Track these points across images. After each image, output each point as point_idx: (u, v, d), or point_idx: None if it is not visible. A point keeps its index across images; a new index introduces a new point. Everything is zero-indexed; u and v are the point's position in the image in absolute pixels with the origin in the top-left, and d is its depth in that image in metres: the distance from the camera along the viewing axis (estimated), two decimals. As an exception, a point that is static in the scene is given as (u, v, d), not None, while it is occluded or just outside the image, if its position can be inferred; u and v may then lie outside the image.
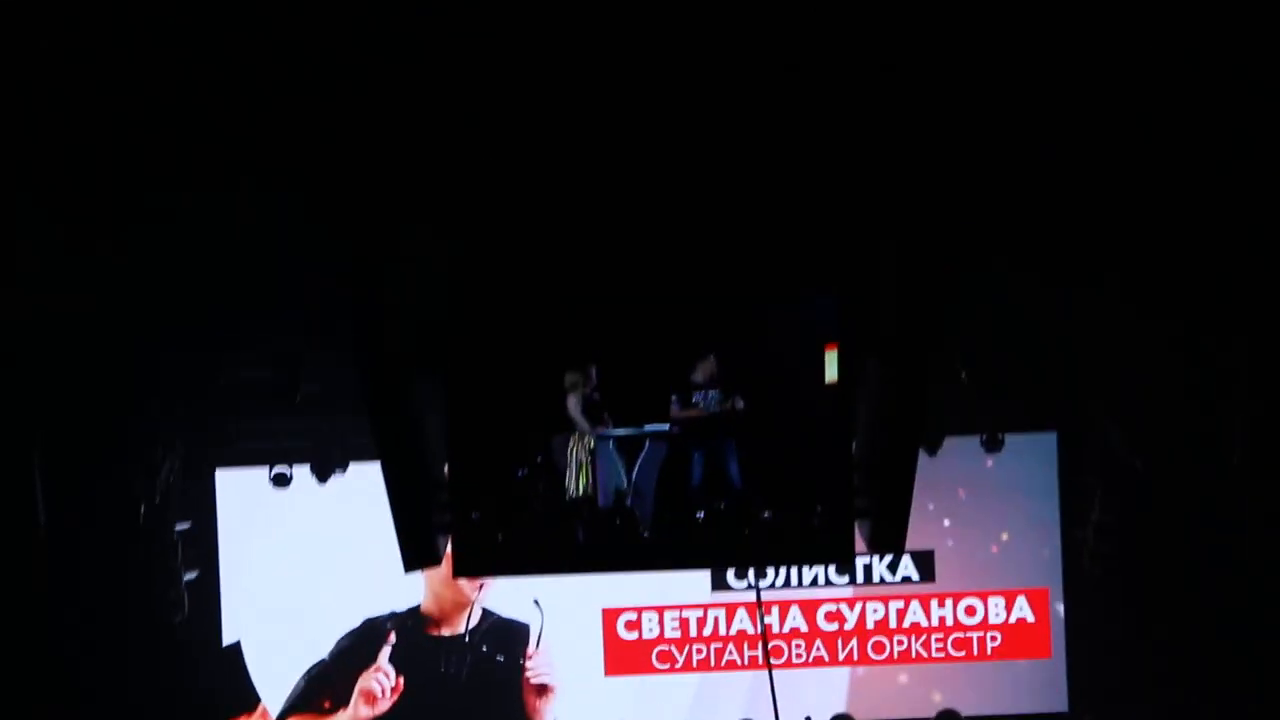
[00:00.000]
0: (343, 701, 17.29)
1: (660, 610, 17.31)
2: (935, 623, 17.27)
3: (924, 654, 17.27)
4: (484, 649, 17.30)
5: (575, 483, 12.90)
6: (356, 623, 17.32)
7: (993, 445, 16.47)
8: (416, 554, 13.03)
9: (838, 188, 11.56)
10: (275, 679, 17.39)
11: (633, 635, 17.34)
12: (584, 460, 12.88)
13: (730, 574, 17.04)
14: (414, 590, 17.19)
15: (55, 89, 10.83)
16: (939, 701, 17.13)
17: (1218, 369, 14.54)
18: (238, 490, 17.18)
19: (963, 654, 17.24)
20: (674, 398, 12.69)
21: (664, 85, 10.87)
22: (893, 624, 17.28)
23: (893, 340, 12.02)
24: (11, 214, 12.24)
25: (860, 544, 13.01)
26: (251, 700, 17.36)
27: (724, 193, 11.72)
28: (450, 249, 12.29)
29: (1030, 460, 16.96)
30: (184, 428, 16.50)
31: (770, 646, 17.04)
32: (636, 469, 12.90)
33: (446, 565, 13.50)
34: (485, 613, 17.34)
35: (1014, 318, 14.48)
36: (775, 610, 17.23)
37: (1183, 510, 15.67)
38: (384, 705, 17.31)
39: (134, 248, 12.99)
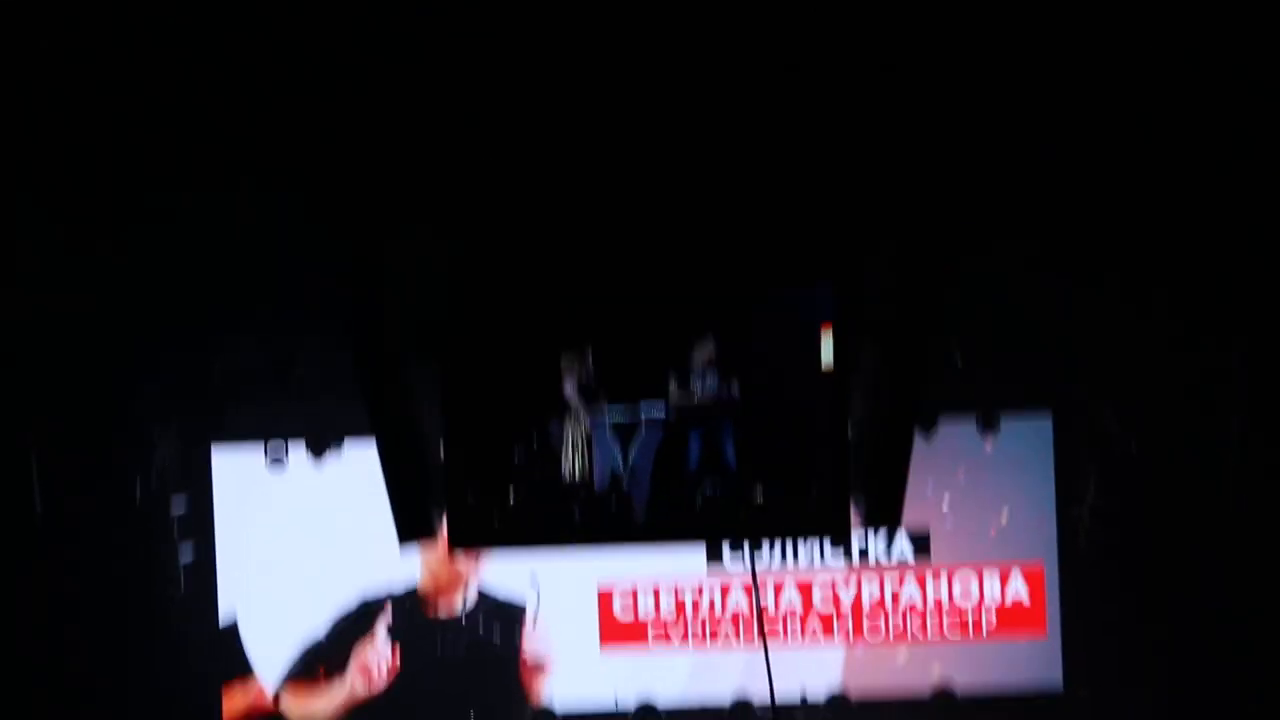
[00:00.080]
0: (337, 678, 17.33)
1: (656, 587, 17.33)
2: (931, 602, 17.29)
3: (920, 633, 17.29)
4: (480, 629, 17.33)
5: (571, 465, 12.89)
6: (353, 601, 17.35)
7: (989, 426, 16.49)
8: (411, 528, 13.05)
9: (835, 172, 11.55)
10: (271, 657, 17.41)
11: (628, 612, 17.36)
12: (580, 441, 12.88)
13: (726, 552, 17.06)
14: (410, 571, 17.21)
15: (55, 87, 10.84)
16: (935, 680, 17.17)
17: (1214, 350, 14.58)
18: (233, 471, 17.17)
19: (959, 633, 17.26)
20: (671, 380, 12.69)
21: (660, 73, 10.87)
22: (888, 603, 17.31)
23: (889, 324, 12.02)
24: (11, 211, 12.26)
25: (854, 523, 13.02)
26: (245, 675, 17.39)
27: (720, 177, 11.72)
28: (446, 232, 12.28)
29: (1026, 442, 16.96)
30: (179, 410, 16.54)
31: (765, 624, 17.08)
32: (633, 452, 12.90)
33: (442, 545, 13.51)
34: (481, 592, 17.37)
35: (1009, 300, 14.49)
36: (770, 588, 17.25)
37: (1178, 491, 15.70)
38: (380, 682, 17.35)
39: (130, 239, 13.00)
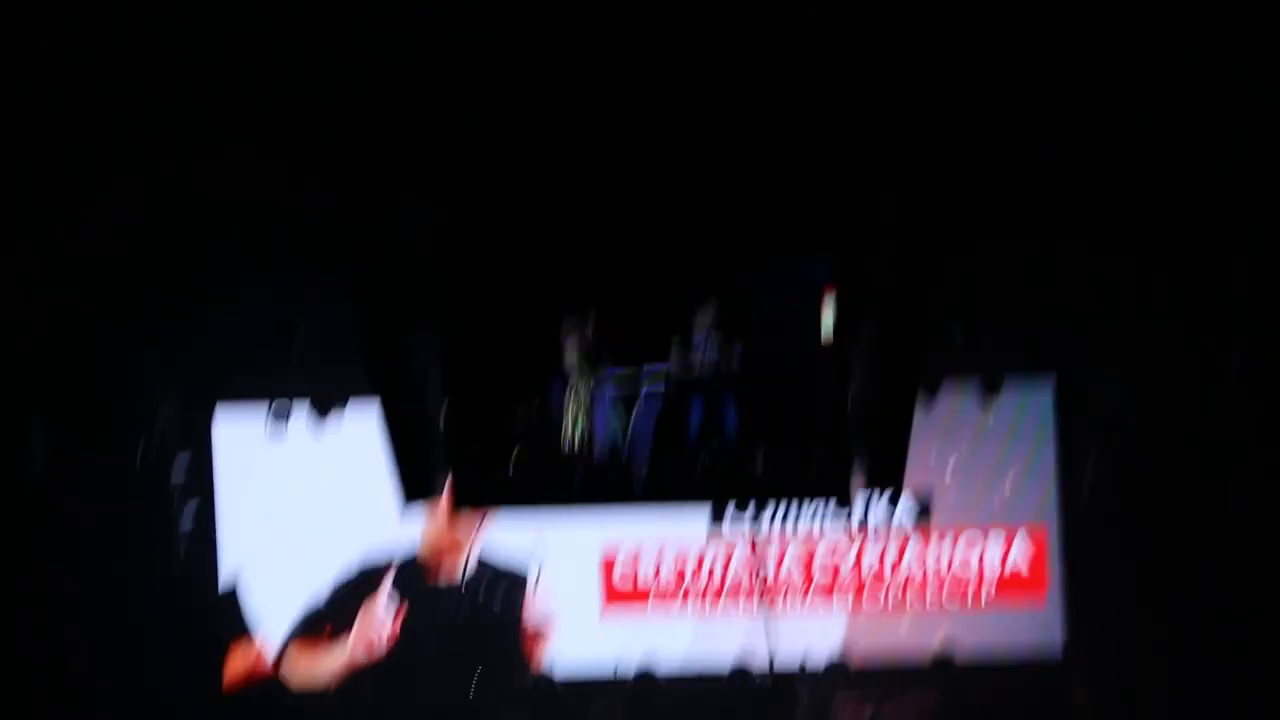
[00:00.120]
0: (339, 641, 17.37)
1: (658, 551, 17.35)
2: (931, 569, 17.31)
3: (920, 599, 17.31)
4: (481, 595, 17.35)
5: (573, 430, 12.90)
6: (354, 566, 17.37)
7: (991, 393, 16.51)
8: (413, 488, 13.05)
9: (837, 140, 11.55)
10: (273, 621, 17.45)
11: (629, 579, 17.38)
12: (581, 406, 12.88)
13: (728, 516, 17.06)
14: (412, 536, 17.24)
15: (59, 49, 10.88)
16: (935, 646, 17.19)
17: (1216, 318, 14.57)
18: (235, 434, 17.21)
19: (959, 599, 17.28)
20: (673, 346, 12.69)
21: (664, 41, 10.88)
22: (890, 569, 17.33)
23: (890, 290, 12.02)
24: (10, 176, 12.28)
25: (856, 488, 13.03)
26: (247, 639, 17.43)
27: (723, 145, 11.72)
28: (446, 194, 12.27)
29: (1027, 408, 17.00)
30: (180, 374, 16.56)
31: (767, 589, 17.10)
32: (634, 415, 12.90)
33: (444, 508, 13.52)
34: (482, 557, 17.39)
35: (1011, 269, 14.50)
36: (772, 553, 17.27)
37: (1180, 459, 15.71)
38: (382, 647, 17.37)
39: (132, 202, 13.02)
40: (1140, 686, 16.17)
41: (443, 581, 17.40)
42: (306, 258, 13.88)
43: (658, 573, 17.36)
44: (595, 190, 12.11)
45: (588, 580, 17.45)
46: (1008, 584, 17.29)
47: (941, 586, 17.30)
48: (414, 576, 17.39)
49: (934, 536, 17.23)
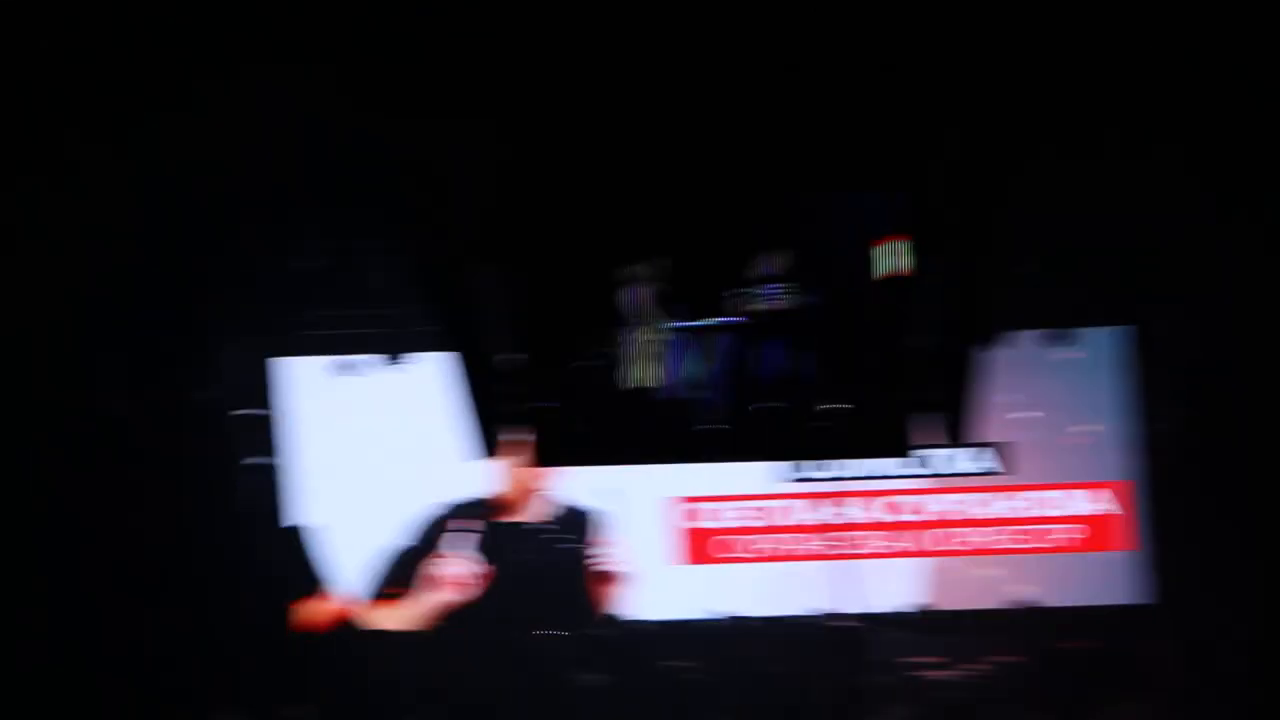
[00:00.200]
0: (416, 588, 17.39)
1: (729, 500, 17.25)
2: (1012, 514, 17.12)
3: (1002, 546, 17.14)
4: (554, 538, 17.33)
5: (644, 375, 12.81)
6: (430, 510, 17.36)
7: (1064, 339, 16.29)
8: (483, 442, 13.04)
9: (905, 78, 11.33)
10: (346, 564, 17.50)
11: (702, 525, 17.30)
12: (652, 352, 12.78)
13: (800, 465, 16.93)
14: (486, 479, 17.19)
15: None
16: (1017, 594, 17.02)
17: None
18: (306, 378, 17.22)
19: (1041, 546, 17.10)
20: (744, 290, 12.56)
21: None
22: (969, 516, 17.14)
23: (958, 232, 11.82)
24: (72, 126, 12.29)
25: (932, 436, 12.89)
26: (321, 584, 17.48)
27: (791, 84, 11.53)
28: (512, 139, 12.15)
29: (1106, 353, 16.73)
30: (250, 317, 16.58)
31: (841, 537, 16.99)
32: (705, 361, 12.80)
33: (518, 453, 13.47)
34: (558, 502, 17.36)
35: (1082, 208, 14.25)
36: (847, 501, 17.13)
37: (1262, 401, 15.43)
38: (460, 592, 17.38)
39: (197, 148, 12.98)
40: (1225, 637, 15.94)
41: (518, 527, 17.38)
42: (372, 201, 13.81)
43: (730, 522, 17.27)
44: (662, 135, 11.94)
45: (661, 529, 17.37)
46: (1092, 530, 17.08)
47: (1020, 536, 17.11)
48: (488, 520, 17.36)
49: (1012, 486, 17.03)
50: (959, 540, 17.13)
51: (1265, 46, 11.82)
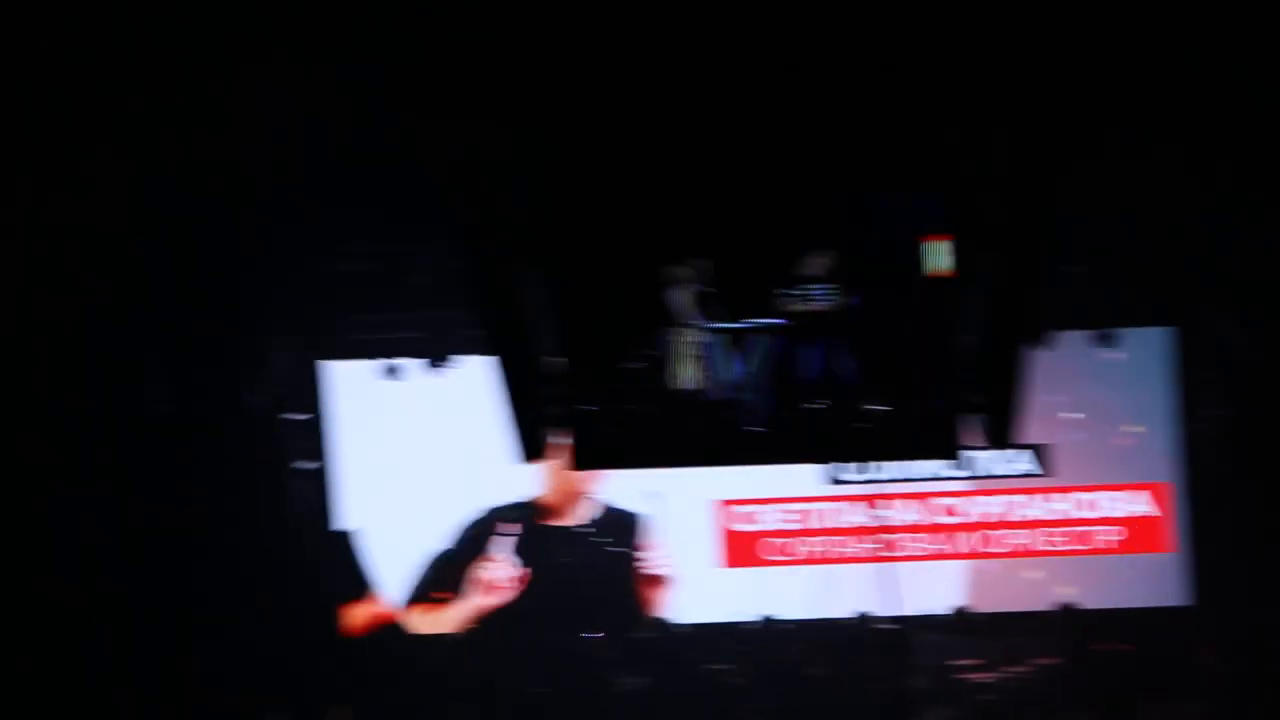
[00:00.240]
0: (460, 591, 17.47)
1: (773, 502, 17.30)
2: (1053, 516, 17.14)
3: (1042, 548, 17.16)
4: (600, 541, 17.41)
5: (686, 376, 12.80)
6: (473, 513, 17.46)
7: (1107, 340, 16.29)
8: (528, 445, 13.05)
9: (949, 78, 11.35)
10: (390, 567, 17.59)
11: (747, 526, 17.35)
12: (694, 354, 12.78)
13: (844, 466, 16.95)
14: (532, 482, 17.26)
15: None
16: (1058, 595, 17.03)
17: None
18: (351, 381, 17.34)
19: (1081, 548, 17.11)
20: (789, 290, 12.56)
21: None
22: (1010, 518, 17.18)
23: (1003, 232, 11.81)
24: (123, 125, 12.38)
25: (973, 438, 12.88)
26: (366, 587, 17.57)
27: (834, 83, 11.55)
28: (555, 142, 12.19)
29: (1148, 354, 16.75)
30: (296, 319, 16.68)
31: (884, 539, 17.01)
32: (748, 364, 12.79)
33: (561, 456, 13.50)
34: (602, 506, 17.43)
35: (1127, 210, 14.25)
36: (891, 504, 17.18)
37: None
38: (502, 595, 17.45)
39: (238, 142, 13.04)
40: (1265, 638, 15.93)
41: (563, 528, 17.45)
42: (418, 205, 13.86)
43: (774, 524, 17.32)
44: (706, 136, 11.97)
45: (705, 531, 17.43)
46: (1133, 531, 17.10)
47: (1063, 537, 17.13)
48: (534, 523, 17.45)
49: (1054, 484, 17.05)
50: (1000, 542, 17.16)
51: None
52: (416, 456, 17.33)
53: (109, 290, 14.43)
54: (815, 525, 17.27)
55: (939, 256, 12.04)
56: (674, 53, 11.35)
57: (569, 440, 13.02)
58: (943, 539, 17.19)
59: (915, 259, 12.22)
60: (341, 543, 17.47)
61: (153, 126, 12.69)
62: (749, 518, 17.34)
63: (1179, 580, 16.98)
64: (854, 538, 17.21)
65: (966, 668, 16.65)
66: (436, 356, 16.59)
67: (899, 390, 12.55)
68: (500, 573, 17.44)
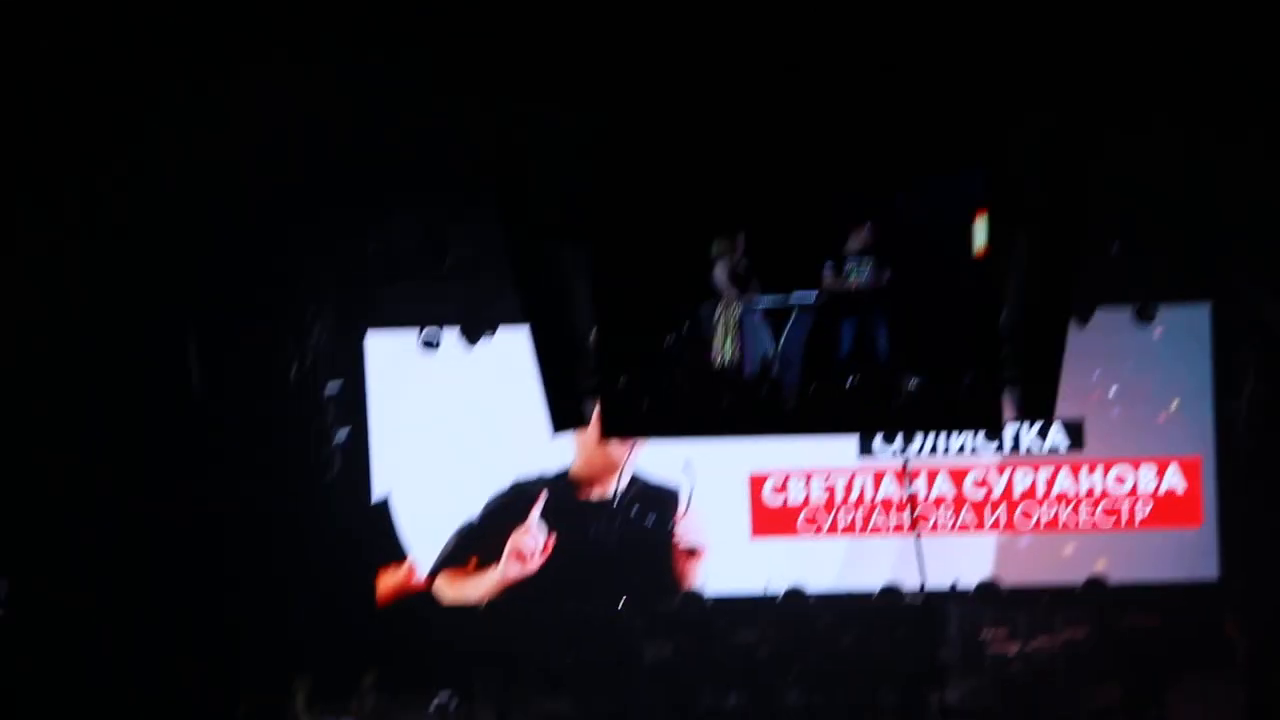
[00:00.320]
0: (492, 560, 17.53)
1: (807, 475, 17.34)
2: (1084, 491, 17.18)
3: (1072, 522, 17.20)
4: (633, 513, 17.45)
5: (722, 350, 12.82)
6: (506, 484, 17.52)
7: (1144, 316, 16.27)
8: (563, 416, 13.07)
9: (984, 53, 11.37)
10: (423, 536, 17.68)
11: (779, 499, 17.40)
12: (731, 328, 12.80)
13: (877, 439, 17.01)
14: (564, 453, 17.34)
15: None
16: (1088, 569, 17.06)
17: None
18: (388, 353, 17.41)
19: (1111, 522, 17.15)
20: (827, 265, 12.57)
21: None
22: (1041, 492, 17.23)
23: (1041, 208, 11.83)
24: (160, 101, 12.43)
25: (1008, 412, 12.89)
26: (399, 554, 17.64)
27: (873, 59, 11.56)
28: (595, 115, 12.21)
29: (1183, 332, 16.76)
30: (334, 291, 16.73)
31: (917, 513, 17.05)
32: (784, 337, 12.81)
33: (595, 428, 13.52)
34: (634, 477, 17.47)
35: (1164, 187, 14.24)
36: (923, 477, 17.23)
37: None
38: (534, 564, 17.52)
39: (285, 124, 13.08)
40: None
41: (595, 500, 17.50)
42: (459, 177, 13.91)
43: (807, 496, 17.36)
44: (746, 110, 11.99)
45: (737, 503, 17.50)
46: (1162, 506, 17.13)
47: (1094, 511, 17.16)
48: (567, 495, 17.51)
49: (1087, 460, 17.09)
50: (1033, 516, 17.20)
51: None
52: (452, 426, 17.41)
53: (150, 264, 14.50)
54: (848, 498, 17.31)
55: (979, 232, 12.06)
56: (716, 28, 11.38)
57: (604, 411, 13.06)
58: (976, 512, 17.22)
59: (954, 234, 12.24)
60: (376, 513, 17.53)
61: (195, 101, 12.75)
62: (784, 489, 17.38)
63: (1209, 555, 17.02)
64: (886, 510, 17.27)
65: (994, 640, 16.68)
66: (474, 328, 16.59)
67: (936, 364, 12.57)
68: (531, 543, 17.50)
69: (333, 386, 17.06)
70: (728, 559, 17.46)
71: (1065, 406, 13.53)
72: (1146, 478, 17.09)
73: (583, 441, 16.98)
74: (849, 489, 17.32)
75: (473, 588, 17.62)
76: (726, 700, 16.58)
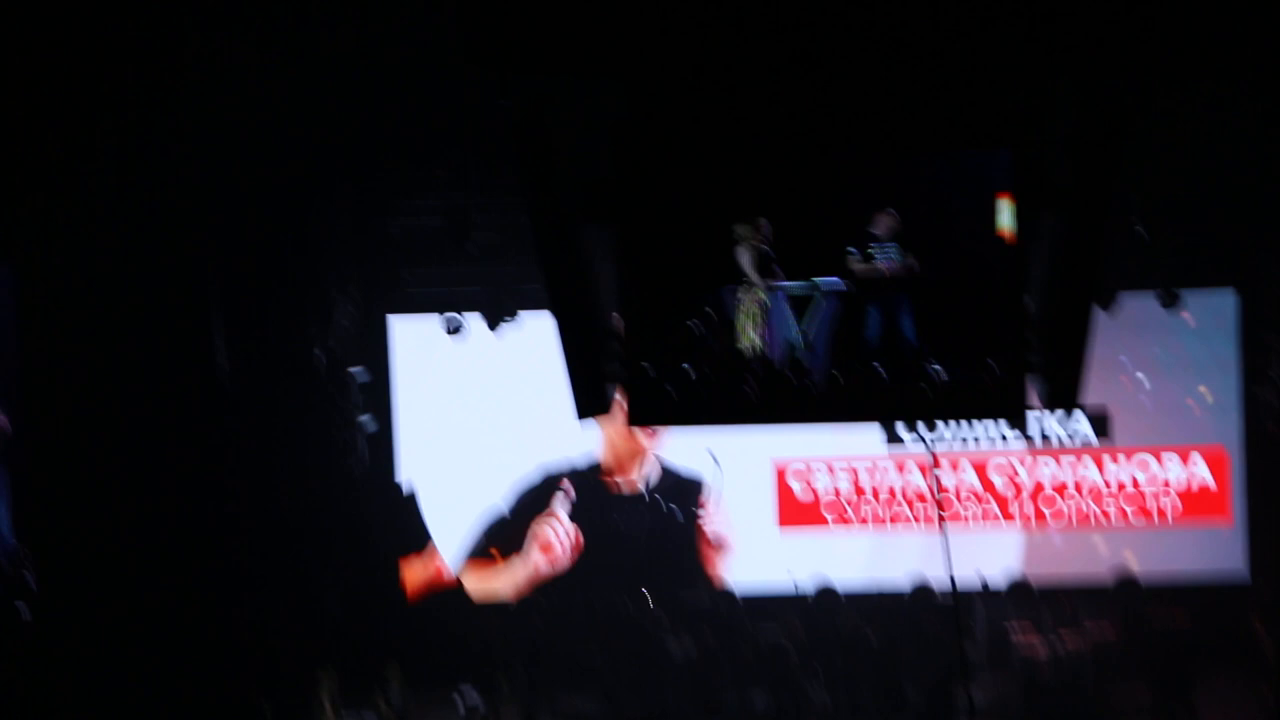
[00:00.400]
0: (518, 552, 17.52)
1: (831, 464, 17.31)
2: (1111, 483, 17.11)
3: (1100, 515, 17.13)
4: (660, 502, 17.44)
5: (747, 336, 12.77)
6: (533, 473, 17.51)
7: (1169, 302, 16.15)
8: (587, 403, 13.00)
9: (1011, 35, 11.31)
10: (449, 525, 17.68)
11: (807, 492, 17.36)
12: (756, 313, 12.74)
13: (903, 429, 16.97)
14: (590, 441, 17.33)
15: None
16: (1116, 565, 16.99)
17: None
18: (412, 338, 17.44)
19: (1139, 516, 17.07)
20: (852, 251, 12.50)
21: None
22: (1067, 483, 17.16)
23: (1068, 191, 11.75)
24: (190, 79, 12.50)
25: (1035, 400, 12.82)
26: (423, 543, 17.64)
27: (897, 42, 11.51)
28: (620, 98, 12.18)
29: (1208, 318, 16.68)
30: (358, 275, 16.75)
31: (944, 505, 17.00)
32: (810, 325, 12.75)
33: (621, 416, 13.50)
34: (662, 467, 17.46)
35: (1190, 170, 14.17)
36: (947, 467, 17.17)
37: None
38: (560, 555, 17.50)
39: (307, 105, 13.11)
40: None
41: (624, 490, 17.49)
42: (484, 161, 13.91)
43: (833, 483, 17.32)
44: (772, 94, 11.94)
45: (764, 495, 17.46)
46: (1192, 501, 17.05)
47: (1122, 505, 17.09)
48: (594, 485, 17.51)
49: (1113, 452, 17.02)
50: (1059, 509, 17.13)
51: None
52: (477, 413, 17.42)
53: (176, 246, 14.53)
54: (873, 487, 17.28)
55: (1004, 215, 11.99)
56: (741, 10, 11.34)
57: (629, 398, 13.02)
58: (1001, 505, 17.16)
59: (979, 219, 12.17)
60: (401, 498, 17.54)
61: (219, 85, 12.79)
62: (806, 479, 17.35)
63: (1237, 552, 16.94)
64: (912, 502, 17.23)
65: (1021, 635, 16.60)
66: (499, 312, 16.54)
67: (962, 351, 12.49)
68: (557, 533, 17.49)
69: (358, 372, 17.05)
70: (754, 553, 17.46)
71: (1089, 395, 13.44)
72: (1172, 469, 17.02)
73: (609, 429, 16.96)
74: (875, 479, 17.27)
75: (501, 581, 17.61)
76: (753, 698, 16.53)
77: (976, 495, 17.17)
